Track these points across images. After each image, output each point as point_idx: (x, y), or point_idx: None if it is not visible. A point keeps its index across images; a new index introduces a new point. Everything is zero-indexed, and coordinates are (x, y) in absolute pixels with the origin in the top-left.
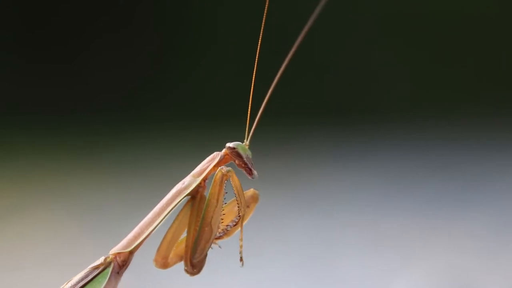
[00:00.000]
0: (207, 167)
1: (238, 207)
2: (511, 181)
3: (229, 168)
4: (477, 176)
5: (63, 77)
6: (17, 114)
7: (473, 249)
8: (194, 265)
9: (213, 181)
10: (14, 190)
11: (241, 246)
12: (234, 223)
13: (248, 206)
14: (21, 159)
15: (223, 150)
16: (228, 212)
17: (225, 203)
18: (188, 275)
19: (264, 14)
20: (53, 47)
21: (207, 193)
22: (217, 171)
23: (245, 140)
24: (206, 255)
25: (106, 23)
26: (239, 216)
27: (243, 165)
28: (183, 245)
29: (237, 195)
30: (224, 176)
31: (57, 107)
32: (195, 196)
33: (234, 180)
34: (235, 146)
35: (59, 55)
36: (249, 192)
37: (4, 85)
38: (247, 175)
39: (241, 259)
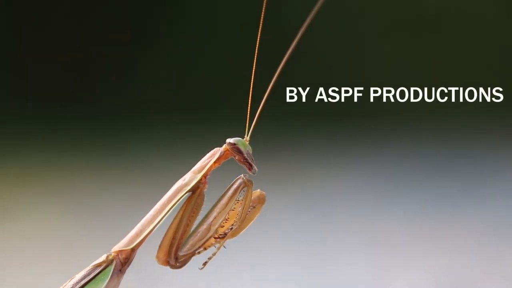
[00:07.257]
0: (208, 163)
1: (237, 217)
2: (511, 181)
3: (251, 179)
4: (477, 176)
5: (63, 75)
6: (16, 112)
7: (473, 249)
8: (178, 258)
9: (232, 184)
10: (14, 189)
11: (214, 254)
12: (231, 227)
13: (254, 207)
14: (21, 158)
15: (224, 146)
16: (231, 216)
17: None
18: (168, 267)
19: (264, 5)
20: (53, 44)
21: (206, 190)
22: (240, 177)
23: (245, 136)
24: (193, 253)
25: (103, 22)
26: (232, 227)
27: (243, 161)
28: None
29: (242, 207)
30: (244, 184)
31: (57, 105)
32: (195, 191)
33: (249, 192)
34: (235, 142)
35: (59, 52)
36: (256, 193)
37: (3, 83)
38: (247, 170)
39: (204, 263)
